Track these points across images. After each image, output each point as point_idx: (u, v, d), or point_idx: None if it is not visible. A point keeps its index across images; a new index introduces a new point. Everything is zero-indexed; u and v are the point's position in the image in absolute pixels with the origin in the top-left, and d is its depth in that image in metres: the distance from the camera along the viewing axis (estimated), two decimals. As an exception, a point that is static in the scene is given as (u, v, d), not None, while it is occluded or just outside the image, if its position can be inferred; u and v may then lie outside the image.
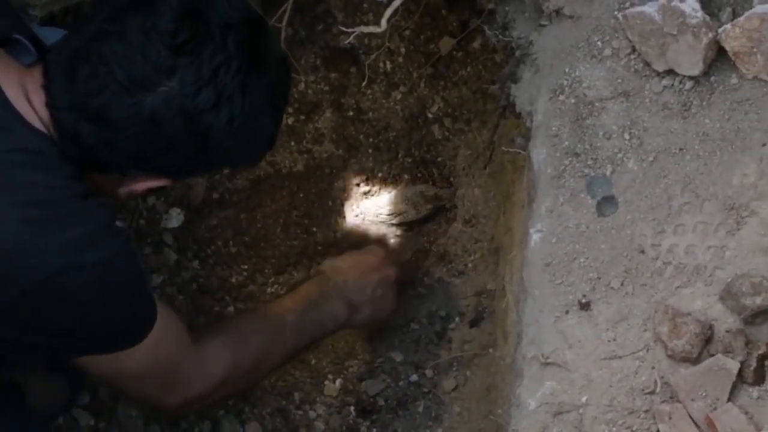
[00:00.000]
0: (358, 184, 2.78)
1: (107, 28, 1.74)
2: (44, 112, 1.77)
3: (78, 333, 1.84)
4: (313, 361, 2.60)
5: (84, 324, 1.83)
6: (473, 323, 2.59)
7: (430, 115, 2.78)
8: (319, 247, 2.73)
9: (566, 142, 2.07)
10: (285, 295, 2.44)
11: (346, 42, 2.67)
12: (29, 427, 2.05)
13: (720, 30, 1.97)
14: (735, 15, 2.00)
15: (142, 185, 1.87)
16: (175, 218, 2.64)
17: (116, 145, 1.76)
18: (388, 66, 2.77)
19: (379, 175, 2.78)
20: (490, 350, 2.47)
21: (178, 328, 2.01)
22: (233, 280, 2.70)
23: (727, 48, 1.98)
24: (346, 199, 2.77)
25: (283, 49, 2.01)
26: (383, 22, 2.17)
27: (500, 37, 2.32)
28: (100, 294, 1.81)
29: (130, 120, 1.73)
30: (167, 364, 1.99)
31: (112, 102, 1.72)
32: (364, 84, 2.69)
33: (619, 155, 2.03)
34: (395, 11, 2.17)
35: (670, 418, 1.82)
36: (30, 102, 1.77)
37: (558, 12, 2.14)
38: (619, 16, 2.06)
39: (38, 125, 1.77)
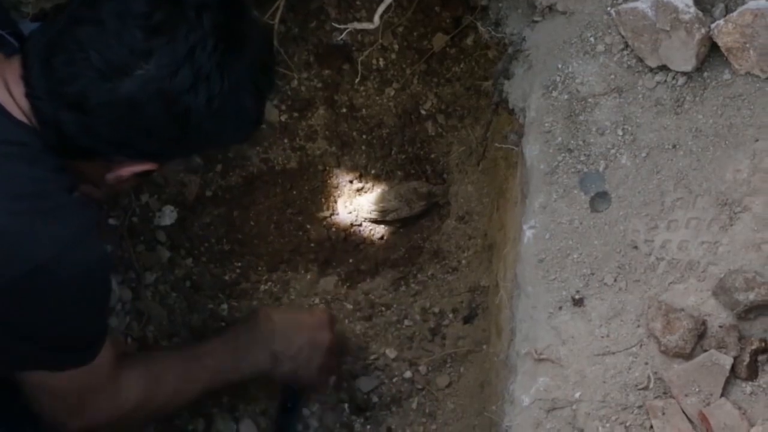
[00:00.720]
0: (351, 181, 2.77)
1: (82, 14, 1.73)
2: (24, 103, 1.76)
3: (40, 335, 1.83)
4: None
5: (50, 326, 1.82)
6: (467, 320, 2.59)
7: (423, 112, 2.78)
8: (312, 244, 2.72)
9: (559, 138, 2.07)
10: (215, 337, 2.40)
11: (339, 39, 2.67)
12: (22, 423, 2.05)
13: (713, 26, 1.97)
14: (728, 10, 2.00)
15: (128, 170, 1.85)
16: (168, 216, 2.63)
17: (97, 132, 1.75)
18: (381, 63, 2.77)
19: (373, 171, 2.78)
20: (484, 346, 2.47)
21: (111, 356, 2.00)
22: (226, 277, 2.69)
23: (720, 44, 1.98)
24: (340, 196, 2.77)
25: (266, 27, 1.99)
26: (376, 18, 2.16)
27: (493, 33, 2.33)
28: (77, 294, 1.80)
29: (109, 105, 1.72)
30: (89, 389, 1.98)
31: (89, 88, 1.71)
32: (357, 81, 2.69)
33: (612, 151, 2.03)
34: (388, 7, 2.17)
35: (663, 414, 1.82)
36: (11, 93, 1.76)
37: (551, 8, 2.15)
38: (612, 12, 2.07)
39: (20, 116, 1.76)
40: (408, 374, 2.57)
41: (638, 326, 1.91)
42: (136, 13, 1.71)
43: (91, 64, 1.71)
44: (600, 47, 2.09)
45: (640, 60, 2.05)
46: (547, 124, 2.09)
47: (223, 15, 1.76)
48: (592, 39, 2.10)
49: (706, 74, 2.02)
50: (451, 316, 2.62)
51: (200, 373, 2.24)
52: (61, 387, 1.94)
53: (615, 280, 1.95)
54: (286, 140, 2.75)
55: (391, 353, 2.60)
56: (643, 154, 2.01)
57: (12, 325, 1.78)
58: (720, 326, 1.86)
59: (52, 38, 1.75)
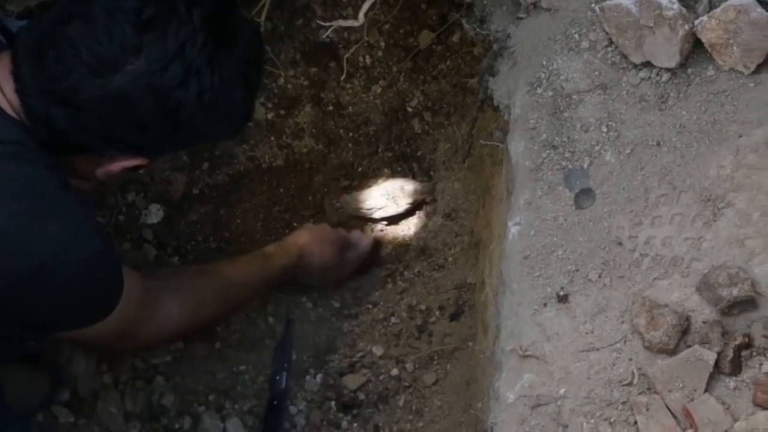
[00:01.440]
0: (338, 179, 2.77)
1: (72, 9, 1.74)
2: (15, 99, 1.76)
3: (53, 321, 1.87)
4: (294, 357, 2.59)
5: (60, 313, 1.85)
6: (453, 317, 2.58)
7: (409, 109, 2.78)
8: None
9: (544, 135, 2.07)
10: (248, 257, 2.50)
11: (325, 36, 2.67)
12: (7, 423, 2.04)
13: (696, 22, 1.98)
14: (711, 7, 2.00)
15: (118, 165, 1.86)
16: (154, 214, 2.63)
17: (88, 127, 1.76)
18: (368, 60, 2.77)
19: (359, 169, 2.78)
20: (470, 344, 2.46)
21: (137, 290, 2.03)
22: (213, 275, 2.68)
23: (704, 40, 1.98)
24: (327, 193, 2.76)
25: (254, 22, 2.01)
26: (360, 15, 2.17)
27: (478, 30, 2.33)
28: (81, 287, 1.82)
29: (100, 101, 1.73)
30: (125, 326, 2.02)
31: (80, 84, 1.72)
32: (343, 78, 2.68)
33: (597, 148, 2.04)
34: (373, 4, 2.17)
35: (647, 410, 1.82)
36: (1, 89, 1.77)
37: (535, 5, 2.15)
38: (596, 8, 2.07)
39: (11, 113, 1.76)
40: (395, 372, 2.56)
41: (622, 322, 1.91)
42: (126, 8, 1.72)
43: (82, 60, 1.71)
44: (584, 44, 2.09)
45: (624, 56, 2.06)
46: (531, 121, 2.09)
47: (213, 10, 1.77)
48: (576, 36, 2.10)
49: (689, 70, 2.03)
50: (437, 313, 2.61)
51: (238, 298, 2.41)
52: (95, 334, 1.97)
53: (599, 277, 1.95)
54: (272, 138, 2.75)
55: (377, 351, 2.60)
56: (628, 151, 2.02)
57: (18, 317, 1.80)
58: (704, 322, 1.86)
59: (42, 34, 1.75)
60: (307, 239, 2.56)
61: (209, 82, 1.76)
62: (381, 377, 2.57)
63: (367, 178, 2.77)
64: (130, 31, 1.71)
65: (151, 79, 1.73)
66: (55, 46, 1.73)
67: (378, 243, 2.75)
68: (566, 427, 1.87)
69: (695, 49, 2.02)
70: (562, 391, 1.90)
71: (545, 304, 1.97)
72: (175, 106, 1.76)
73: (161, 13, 1.73)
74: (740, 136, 1.97)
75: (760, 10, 1.93)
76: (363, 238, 2.70)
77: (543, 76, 2.11)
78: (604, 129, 2.04)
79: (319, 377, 2.59)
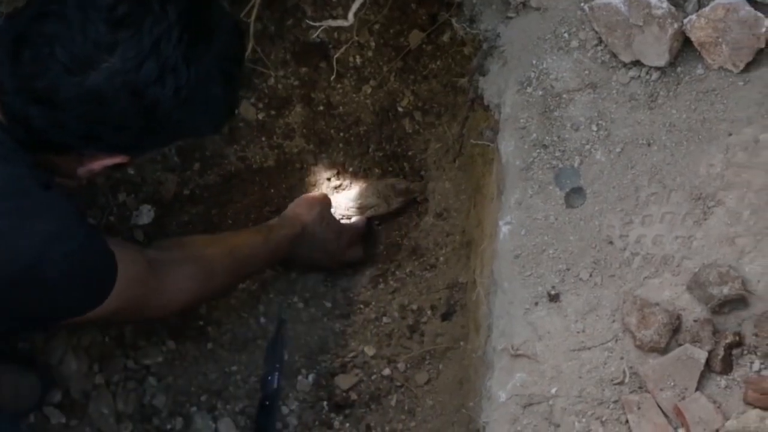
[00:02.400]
0: (329, 179, 2.77)
1: (47, 8, 1.74)
2: None
3: (47, 315, 1.87)
4: (285, 357, 2.59)
5: (54, 307, 1.85)
6: (445, 316, 2.58)
7: (400, 109, 2.78)
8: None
9: (534, 134, 2.07)
10: (253, 230, 2.54)
11: (315, 36, 2.67)
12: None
13: (685, 20, 1.98)
14: (700, 5, 2.00)
15: (99, 163, 1.86)
16: (145, 215, 2.63)
17: (66, 126, 1.76)
18: (358, 60, 2.77)
19: (350, 169, 2.78)
20: (462, 343, 2.46)
21: (138, 268, 2.01)
22: (205, 276, 2.68)
23: (693, 38, 1.98)
24: (317, 194, 2.77)
25: (233, 17, 2.01)
26: (350, 15, 2.17)
27: (468, 29, 2.32)
28: (71, 281, 1.83)
29: (76, 100, 1.73)
30: (131, 302, 2.00)
31: (56, 83, 1.72)
32: (333, 78, 2.68)
33: (587, 147, 2.04)
34: (362, 4, 2.17)
35: (639, 408, 1.83)
36: None
37: (524, 4, 2.15)
38: (586, 7, 2.07)
39: None
40: (387, 371, 2.57)
41: (613, 321, 1.91)
42: (100, 6, 1.72)
43: (57, 58, 1.71)
44: (574, 43, 2.09)
45: (614, 55, 2.06)
46: (522, 120, 2.09)
47: (188, 5, 1.77)
48: (566, 35, 2.10)
49: (679, 69, 2.03)
50: (429, 313, 2.61)
51: (245, 262, 2.37)
52: (99, 315, 1.94)
53: (590, 276, 1.95)
54: (263, 138, 2.75)
55: (369, 351, 2.60)
56: (618, 150, 2.02)
57: (12, 314, 1.80)
58: (694, 320, 1.87)
59: (19, 33, 1.75)
60: (307, 208, 2.58)
61: (185, 77, 1.76)
62: (373, 377, 2.57)
63: (358, 178, 2.77)
64: (104, 28, 1.72)
65: (127, 77, 1.73)
66: (31, 45, 1.73)
67: (370, 223, 2.77)
68: (558, 426, 1.87)
69: (684, 48, 2.02)
70: (553, 390, 1.90)
71: (536, 303, 1.97)
72: (152, 103, 1.76)
73: (135, 9, 1.73)
74: (730, 135, 1.97)
75: (748, 8, 1.94)
76: (357, 218, 2.75)
77: (533, 75, 2.11)
78: (594, 128, 2.04)
79: (311, 377, 2.59)
